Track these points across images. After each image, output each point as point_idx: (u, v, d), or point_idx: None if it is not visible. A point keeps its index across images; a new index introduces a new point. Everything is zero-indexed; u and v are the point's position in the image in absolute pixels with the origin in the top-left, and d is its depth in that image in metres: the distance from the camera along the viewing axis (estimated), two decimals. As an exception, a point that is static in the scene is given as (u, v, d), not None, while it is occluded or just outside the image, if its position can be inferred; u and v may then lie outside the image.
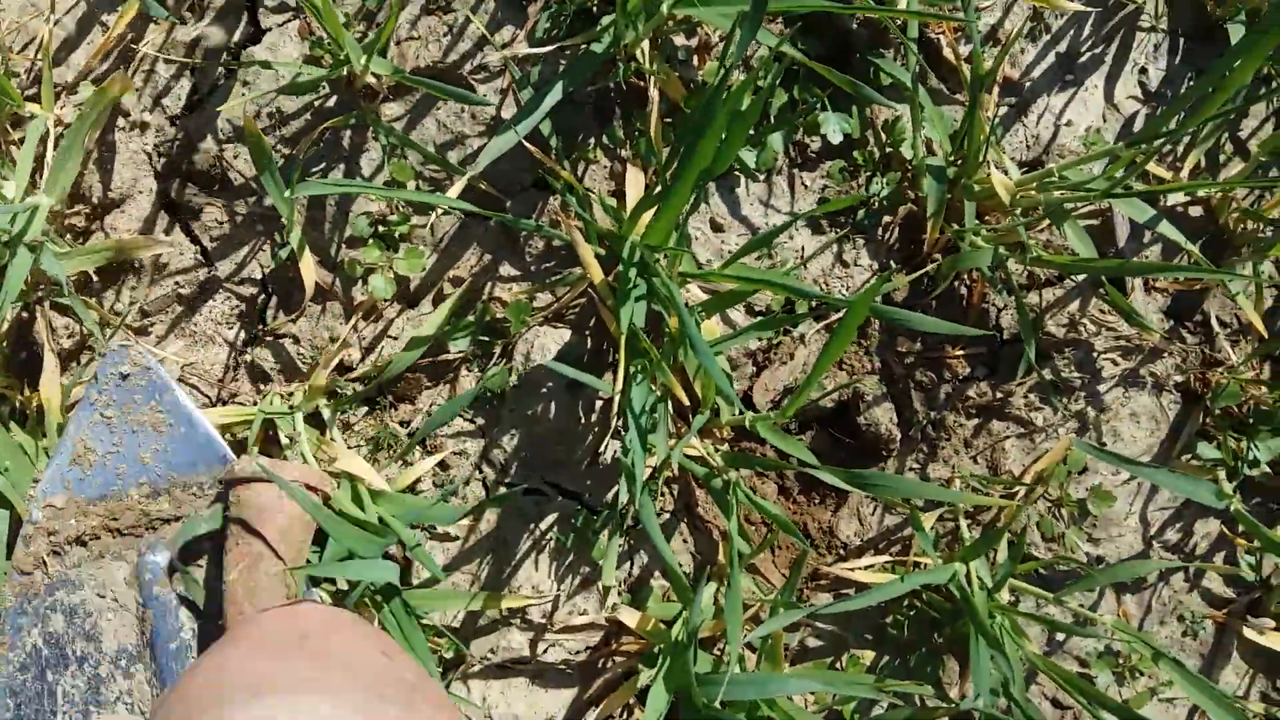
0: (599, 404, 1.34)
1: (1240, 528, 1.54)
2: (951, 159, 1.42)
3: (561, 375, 1.24)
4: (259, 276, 1.43)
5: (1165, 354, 1.49)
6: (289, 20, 1.44)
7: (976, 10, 1.46)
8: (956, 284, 1.50)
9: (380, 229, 1.40)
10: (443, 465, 1.38)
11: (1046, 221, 1.40)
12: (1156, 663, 1.29)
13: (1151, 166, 1.48)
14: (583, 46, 1.31)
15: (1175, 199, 1.53)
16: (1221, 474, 1.48)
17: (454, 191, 1.27)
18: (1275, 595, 1.53)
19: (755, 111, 1.02)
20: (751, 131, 1.45)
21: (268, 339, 1.42)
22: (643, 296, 1.22)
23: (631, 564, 1.39)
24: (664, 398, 1.23)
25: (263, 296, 1.43)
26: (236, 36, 1.45)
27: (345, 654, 0.52)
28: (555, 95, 1.26)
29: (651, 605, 1.34)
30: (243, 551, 1.10)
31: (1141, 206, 1.36)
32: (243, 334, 1.43)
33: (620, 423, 1.20)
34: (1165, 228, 1.35)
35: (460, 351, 1.36)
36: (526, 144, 1.27)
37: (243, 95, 1.41)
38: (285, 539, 1.02)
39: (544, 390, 1.34)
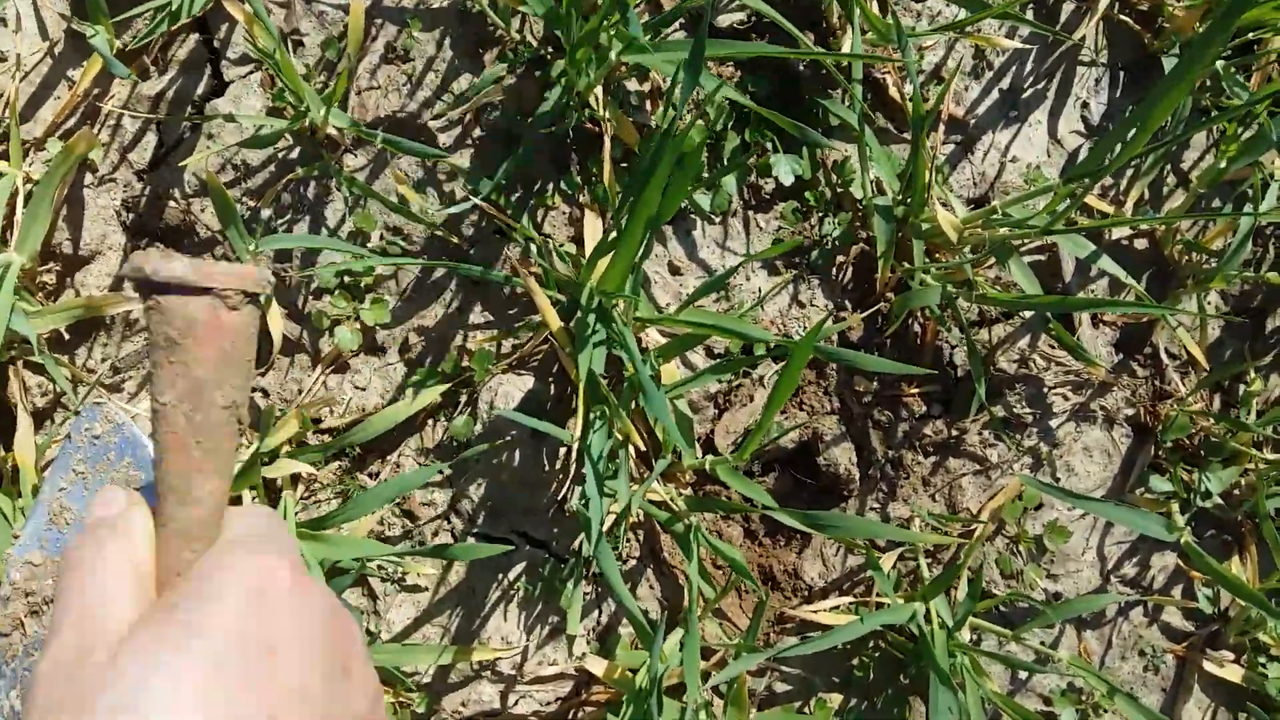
0: (563, 451, 1.36)
1: (1196, 559, 1.56)
2: (899, 198, 1.46)
3: (529, 426, 1.26)
4: (222, 327, 1.44)
5: (1115, 388, 1.52)
6: (252, 72, 1.46)
7: (919, 51, 1.50)
8: (910, 322, 1.53)
9: (346, 279, 1.42)
10: (410, 516, 1.39)
11: (994, 259, 1.44)
12: (1112, 698, 1.31)
13: (1094, 201, 1.52)
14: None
15: (1120, 233, 1.57)
16: (1174, 506, 1.51)
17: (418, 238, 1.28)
18: (1233, 627, 1.55)
19: (698, 156, 1.05)
20: (705, 174, 1.48)
21: (231, 390, 1.42)
22: (601, 343, 1.24)
23: (600, 612, 1.40)
24: (624, 444, 1.25)
25: (226, 347, 1.44)
26: (200, 90, 1.47)
27: (304, 677, 0.50)
28: (512, 161, 1.28)
29: (620, 653, 1.35)
30: (178, 372, 0.81)
31: (1082, 242, 1.40)
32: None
33: (579, 470, 1.22)
34: (1106, 263, 1.39)
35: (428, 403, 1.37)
36: (484, 205, 1.29)
37: (207, 148, 1.43)
38: (229, 362, 0.72)
39: (508, 438, 1.35)
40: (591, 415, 1.18)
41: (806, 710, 1.42)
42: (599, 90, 1.38)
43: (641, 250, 1.14)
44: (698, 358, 1.46)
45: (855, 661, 1.44)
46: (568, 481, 1.35)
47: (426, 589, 1.37)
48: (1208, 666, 1.54)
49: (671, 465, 1.37)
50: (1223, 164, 1.48)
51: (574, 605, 1.24)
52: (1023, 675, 1.49)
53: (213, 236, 1.43)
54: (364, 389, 1.41)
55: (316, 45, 1.45)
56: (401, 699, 1.32)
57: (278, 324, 1.38)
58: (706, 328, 1.21)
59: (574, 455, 1.18)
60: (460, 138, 1.41)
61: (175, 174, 1.43)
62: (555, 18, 1.27)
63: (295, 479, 1.36)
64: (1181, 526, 1.40)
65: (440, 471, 1.35)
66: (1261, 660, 1.56)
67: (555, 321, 1.22)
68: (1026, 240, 1.54)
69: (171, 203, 1.43)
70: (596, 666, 1.32)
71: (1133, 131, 1.17)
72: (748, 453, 1.21)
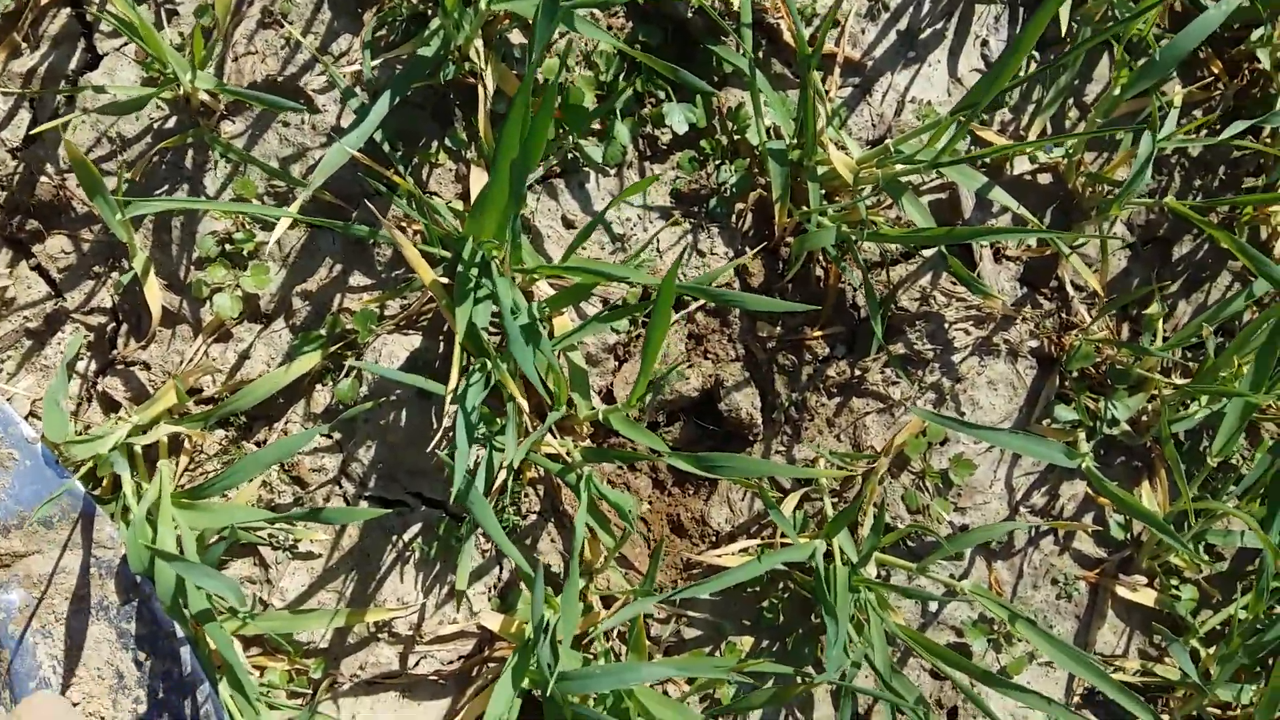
0: (453, 409, 1.34)
1: (1107, 487, 1.57)
2: (794, 142, 1.44)
3: (414, 385, 1.24)
4: (109, 305, 1.41)
5: (1018, 321, 1.52)
6: (125, 44, 1.42)
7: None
8: (812, 266, 1.52)
9: (227, 247, 1.39)
10: (300, 482, 1.37)
11: (888, 197, 1.42)
12: (1013, 624, 1.31)
13: (993, 136, 1.51)
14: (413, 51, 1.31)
15: (1023, 167, 1.56)
16: (1081, 435, 1.51)
17: (295, 206, 1.26)
18: (1145, 552, 1.56)
19: (551, 101, 1.02)
20: (596, 125, 1.46)
21: (119, 367, 1.40)
22: (487, 296, 1.22)
23: (500, 568, 1.39)
24: (512, 397, 1.23)
25: (112, 325, 1.42)
26: (74, 64, 1.44)
27: None
28: (383, 106, 1.26)
29: (521, 608, 1.34)
30: None
31: (971, 174, 1.39)
32: (94, 364, 1.41)
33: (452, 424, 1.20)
34: (999, 194, 1.38)
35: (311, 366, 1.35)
36: (358, 155, 1.26)
37: (82, 123, 1.40)
38: None
39: (393, 398, 1.33)
40: (472, 368, 1.17)
41: (719, 654, 1.42)
42: (479, 43, 1.35)
43: (515, 199, 1.12)
44: (596, 310, 1.45)
45: (764, 604, 1.44)
46: (440, 436, 1.33)
47: (320, 555, 1.36)
48: (1120, 591, 1.55)
49: (568, 418, 1.36)
50: (1117, 91, 1.48)
51: (464, 561, 1.23)
52: (933, 608, 1.50)
53: (89, 212, 1.40)
54: (249, 357, 1.39)
55: (191, 14, 1.41)
56: (296, 666, 1.31)
57: (156, 296, 1.35)
58: (584, 273, 1.19)
59: (446, 410, 1.17)
60: (340, 101, 1.38)
61: (49, 150, 1.40)
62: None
63: (177, 448, 1.33)
64: (1083, 453, 1.40)
65: (324, 434, 1.33)
66: (1174, 583, 1.57)
67: (428, 274, 1.20)
68: (924, 179, 1.54)
69: (44, 179, 1.39)
70: (493, 621, 1.31)
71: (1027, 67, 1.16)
72: (634, 399, 1.20)
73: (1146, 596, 1.56)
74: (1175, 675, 1.55)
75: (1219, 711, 1.58)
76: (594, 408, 1.32)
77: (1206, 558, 1.61)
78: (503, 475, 1.26)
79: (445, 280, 1.27)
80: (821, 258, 1.52)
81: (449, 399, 1.12)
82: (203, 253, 1.38)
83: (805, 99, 1.35)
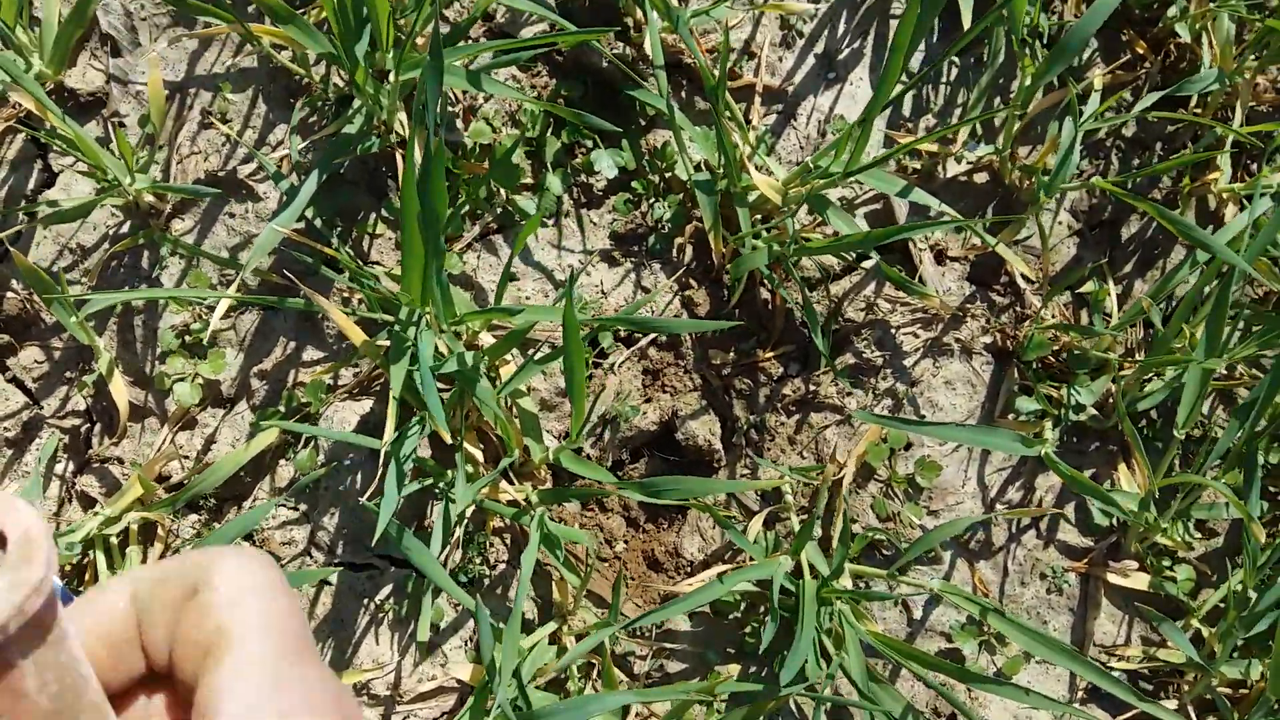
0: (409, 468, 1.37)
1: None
2: (720, 172, 1.48)
3: (365, 446, 1.27)
4: (82, 408, 1.47)
5: (967, 318, 1.53)
6: (79, 161, 1.50)
7: (722, 27, 1.53)
8: (758, 289, 1.54)
9: (186, 339, 1.44)
10: (275, 558, 1.40)
11: (813, 212, 1.45)
12: (984, 617, 1.30)
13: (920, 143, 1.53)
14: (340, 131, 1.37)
15: (956, 170, 1.58)
16: (1047, 424, 1.50)
17: (232, 288, 1.31)
18: (1131, 535, 1.53)
19: (440, 155, 1.07)
20: (529, 180, 1.51)
21: (94, 465, 1.45)
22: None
23: (475, 620, 1.40)
24: (458, 447, 1.26)
25: (86, 425, 1.47)
26: (32, 184, 1.52)
27: None
28: (311, 185, 1.31)
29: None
30: None
31: (889, 179, 1.41)
32: (71, 465, 1.46)
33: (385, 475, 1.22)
34: (919, 195, 1.40)
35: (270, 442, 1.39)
36: (290, 234, 1.31)
37: (45, 238, 1.47)
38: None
39: (348, 463, 1.37)
40: (412, 422, 1.20)
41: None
42: (402, 115, 1.41)
43: (432, 253, 1.16)
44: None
45: (746, 630, 1.44)
46: (426, 497, 1.36)
47: (304, 626, 1.38)
48: (1112, 579, 1.53)
49: (525, 464, 1.38)
50: (1028, 81, 1.50)
51: (424, 611, 1.25)
52: (919, 615, 1.48)
53: (57, 321, 1.46)
54: (215, 441, 1.43)
55: (135, 123, 1.49)
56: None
57: (122, 392, 1.41)
58: (503, 313, 1.23)
59: (381, 464, 1.20)
60: (274, 182, 1.45)
61: (15, 267, 1.47)
62: (337, 51, 1.30)
63: (151, 536, 1.37)
64: (1042, 440, 1.39)
65: (285, 505, 1.36)
66: (1166, 564, 1.54)
67: (358, 336, 1.24)
68: (858, 193, 1.56)
69: (10, 294, 1.46)
70: (464, 671, 1.32)
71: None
72: (575, 433, 1.22)
73: (1139, 581, 1.53)
74: (1180, 659, 1.52)
75: (1230, 691, 1.53)
76: (546, 448, 1.34)
77: (1197, 535, 1.58)
78: (458, 524, 1.28)
79: (387, 343, 1.31)
80: (766, 281, 1.54)
81: (383, 451, 1.15)
82: (164, 346, 1.44)
83: (720, 129, 1.39)
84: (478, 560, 1.38)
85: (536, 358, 1.27)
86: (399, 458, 1.14)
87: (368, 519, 1.39)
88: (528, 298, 1.48)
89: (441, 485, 1.32)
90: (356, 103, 1.40)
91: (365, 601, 1.38)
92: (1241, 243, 1.38)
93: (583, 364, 1.14)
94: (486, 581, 1.40)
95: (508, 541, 1.42)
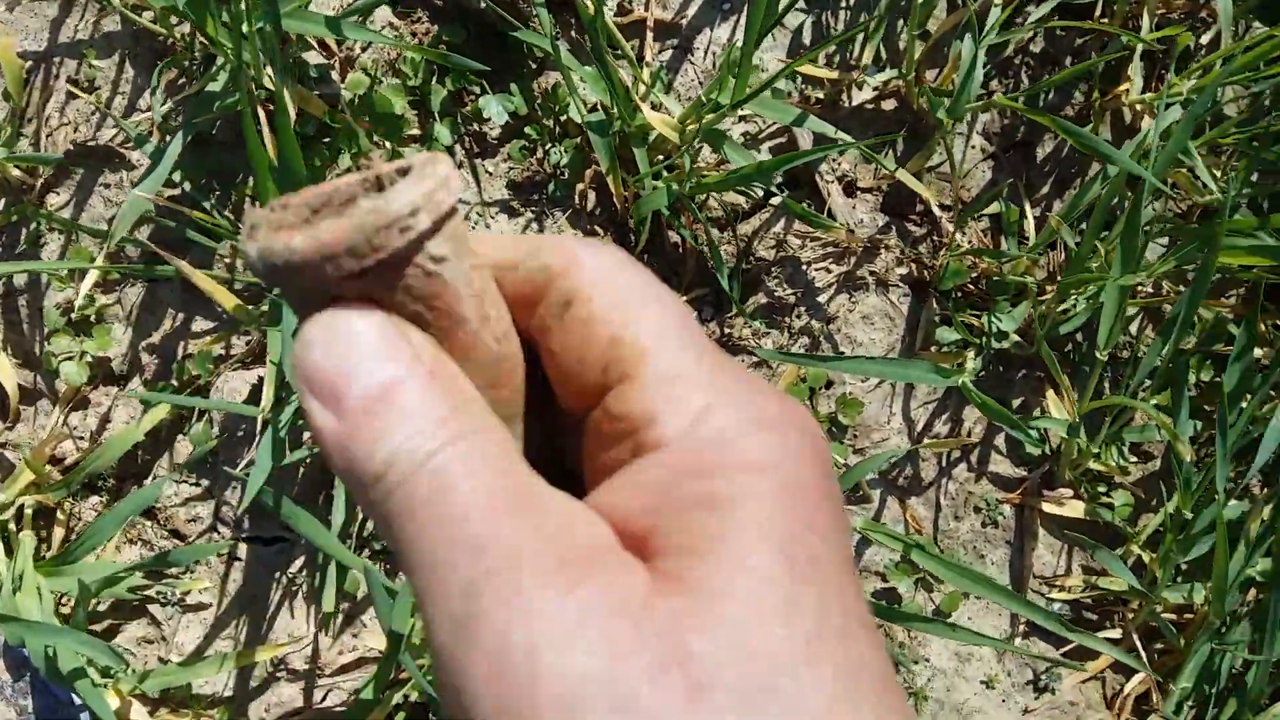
0: (307, 434, 1.32)
1: (1017, 403, 1.51)
2: (615, 113, 1.42)
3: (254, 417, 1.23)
4: (-29, 395, 1.42)
5: (881, 250, 1.48)
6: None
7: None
8: (668, 232, 1.49)
9: (72, 315, 1.39)
10: (179, 535, 1.35)
11: (709, 147, 1.40)
12: (909, 555, 1.26)
13: (817, 70, 1.48)
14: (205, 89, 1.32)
15: (862, 97, 1.53)
16: (969, 354, 1.46)
17: (99, 259, 1.26)
18: (1064, 463, 1.49)
19: (283, 105, 1.01)
20: (416, 131, 1.45)
21: (-15, 453, 1.40)
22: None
23: (396, 578, 1.36)
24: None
25: (-24, 413, 1.42)
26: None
27: None
28: (175, 148, 1.26)
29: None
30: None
31: (781, 109, 1.36)
32: (-39, 455, 1.41)
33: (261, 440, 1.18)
34: (813, 123, 1.35)
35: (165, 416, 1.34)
36: (157, 199, 1.26)
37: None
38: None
39: (241, 434, 1.32)
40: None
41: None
42: (269, 70, 1.35)
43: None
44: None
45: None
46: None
47: (210, 604, 1.34)
48: (1047, 508, 1.49)
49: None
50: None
51: (329, 583, 1.21)
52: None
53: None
54: (110, 420, 1.38)
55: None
56: (203, 718, 1.29)
57: (10, 375, 1.36)
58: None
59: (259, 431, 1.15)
60: (136, 145, 1.39)
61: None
62: (190, 7, 1.24)
63: (50, 520, 1.33)
64: (961, 370, 1.35)
65: (177, 480, 1.31)
66: (1101, 489, 1.51)
67: (229, 300, 1.19)
68: (762, 128, 1.51)
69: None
70: (378, 640, 1.28)
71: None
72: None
73: (1075, 509, 1.50)
74: (1122, 586, 1.48)
75: (1175, 616, 1.50)
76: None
77: (1133, 459, 1.55)
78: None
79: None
80: (669, 224, 1.49)
81: (260, 418, 1.10)
82: (50, 325, 1.38)
83: (605, 66, 1.33)
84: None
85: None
86: (277, 425, 1.09)
87: (275, 491, 1.34)
88: (425, 255, 1.43)
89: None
90: (220, 59, 1.34)
91: (277, 575, 1.34)
92: (1150, 155, 1.33)
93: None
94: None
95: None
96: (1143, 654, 1.46)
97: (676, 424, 0.32)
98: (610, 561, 0.30)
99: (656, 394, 0.33)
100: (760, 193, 1.49)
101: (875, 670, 0.29)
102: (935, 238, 1.52)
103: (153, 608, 1.34)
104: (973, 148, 1.56)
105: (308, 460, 1.33)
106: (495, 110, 1.44)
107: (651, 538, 0.31)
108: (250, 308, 1.21)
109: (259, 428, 1.10)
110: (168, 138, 1.35)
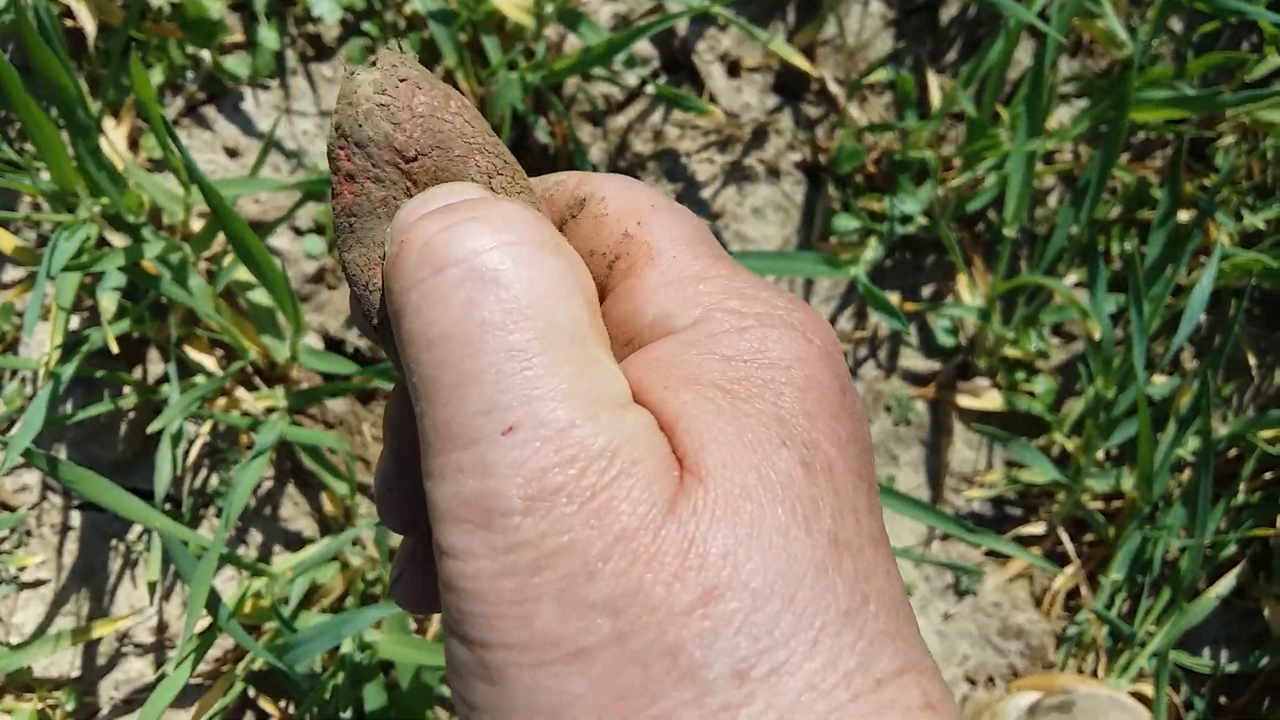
0: (126, 390, 1.19)
1: (925, 295, 1.40)
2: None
3: (77, 374, 1.09)
4: None
5: (771, 134, 1.34)
6: None
7: None
8: (535, 128, 1.35)
9: None
10: (8, 507, 1.22)
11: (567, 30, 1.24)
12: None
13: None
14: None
15: (742, -33, 1.37)
16: (873, 241, 1.34)
17: None
18: (980, 352, 1.39)
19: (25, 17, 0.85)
20: (239, 38, 1.28)
21: None
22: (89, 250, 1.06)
23: (245, 545, 1.25)
24: (170, 356, 1.08)
25: None
26: None
27: None
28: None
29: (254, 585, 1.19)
30: None
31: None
32: None
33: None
34: (698, 2, 1.20)
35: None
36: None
37: None
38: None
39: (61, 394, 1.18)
40: (87, 333, 1.01)
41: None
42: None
43: (74, 132, 0.96)
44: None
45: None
46: (149, 422, 1.18)
47: (49, 580, 1.22)
48: (963, 401, 1.39)
49: (277, 368, 1.20)
50: None
51: (155, 550, 1.09)
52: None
53: None
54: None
55: None
56: (49, 701, 1.18)
57: None
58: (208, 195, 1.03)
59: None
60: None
61: None
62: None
63: None
64: (854, 260, 1.23)
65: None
66: (1021, 376, 1.41)
67: (9, 242, 1.04)
68: (630, 7, 1.35)
69: None
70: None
71: None
72: (296, 328, 1.04)
73: (993, 400, 1.40)
74: (1044, 478, 1.39)
75: (1104, 505, 1.42)
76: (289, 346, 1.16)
77: (1055, 340, 1.45)
78: (190, 445, 1.11)
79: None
80: (545, 119, 1.34)
81: (40, 370, 0.97)
82: None
83: (438, -59, 1.17)
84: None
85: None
86: (59, 377, 0.96)
87: (98, 453, 1.21)
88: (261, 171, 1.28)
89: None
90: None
91: (114, 543, 1.22)
92: (1055, 5, 1.19)
93: (264, 253, 0.95)
94: (254, 504, 1.23)
95: (274, 457, 1.25)
96: (1070, 547, 1.38)
97: (691, 317, 0.32)
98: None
99: (669, 290, 0.33)
100: (635, 82, 1.34)
101: (883, 585, 0.30)
102: (833, 118, 1.38)
103: (-10, 588, 1.22)
104: (871, 15, 1.41)
105: (130, 415, 1.20)
106: (327, 8, 1.28)
107: (663, 412, 0.31)
108: (30, 248, 1.06)
109: (41, 379, 0.96)
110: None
